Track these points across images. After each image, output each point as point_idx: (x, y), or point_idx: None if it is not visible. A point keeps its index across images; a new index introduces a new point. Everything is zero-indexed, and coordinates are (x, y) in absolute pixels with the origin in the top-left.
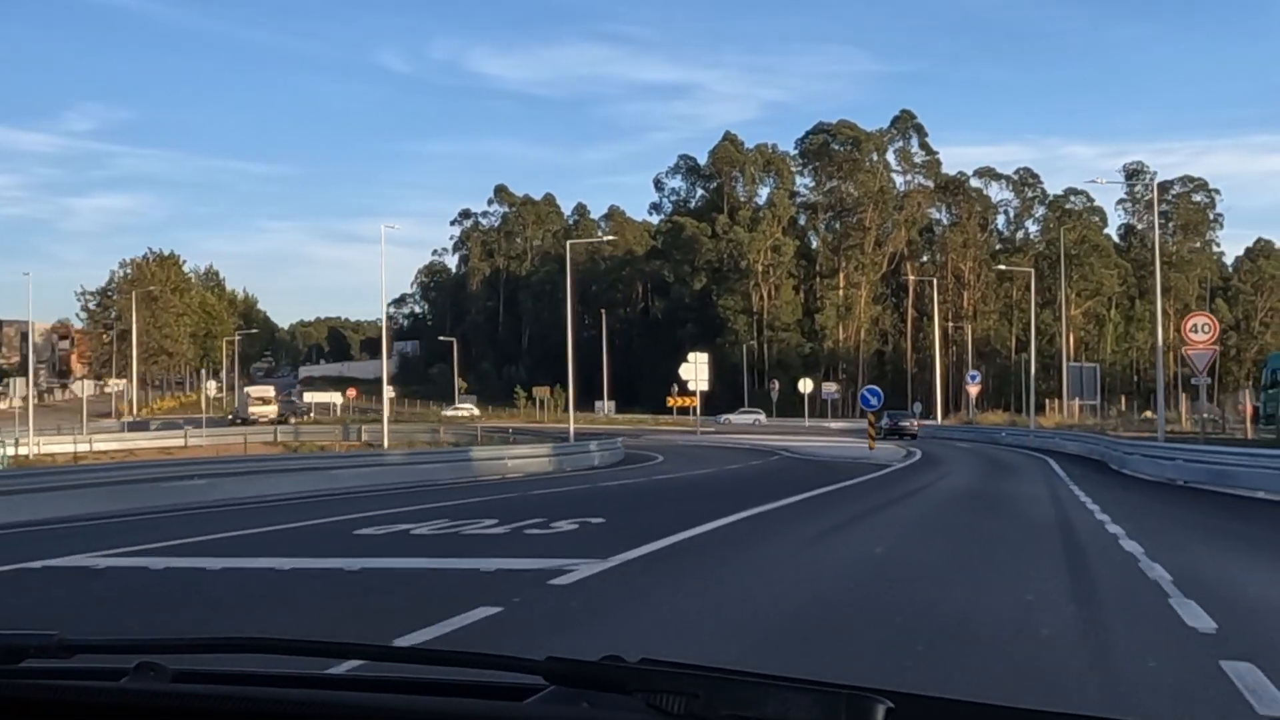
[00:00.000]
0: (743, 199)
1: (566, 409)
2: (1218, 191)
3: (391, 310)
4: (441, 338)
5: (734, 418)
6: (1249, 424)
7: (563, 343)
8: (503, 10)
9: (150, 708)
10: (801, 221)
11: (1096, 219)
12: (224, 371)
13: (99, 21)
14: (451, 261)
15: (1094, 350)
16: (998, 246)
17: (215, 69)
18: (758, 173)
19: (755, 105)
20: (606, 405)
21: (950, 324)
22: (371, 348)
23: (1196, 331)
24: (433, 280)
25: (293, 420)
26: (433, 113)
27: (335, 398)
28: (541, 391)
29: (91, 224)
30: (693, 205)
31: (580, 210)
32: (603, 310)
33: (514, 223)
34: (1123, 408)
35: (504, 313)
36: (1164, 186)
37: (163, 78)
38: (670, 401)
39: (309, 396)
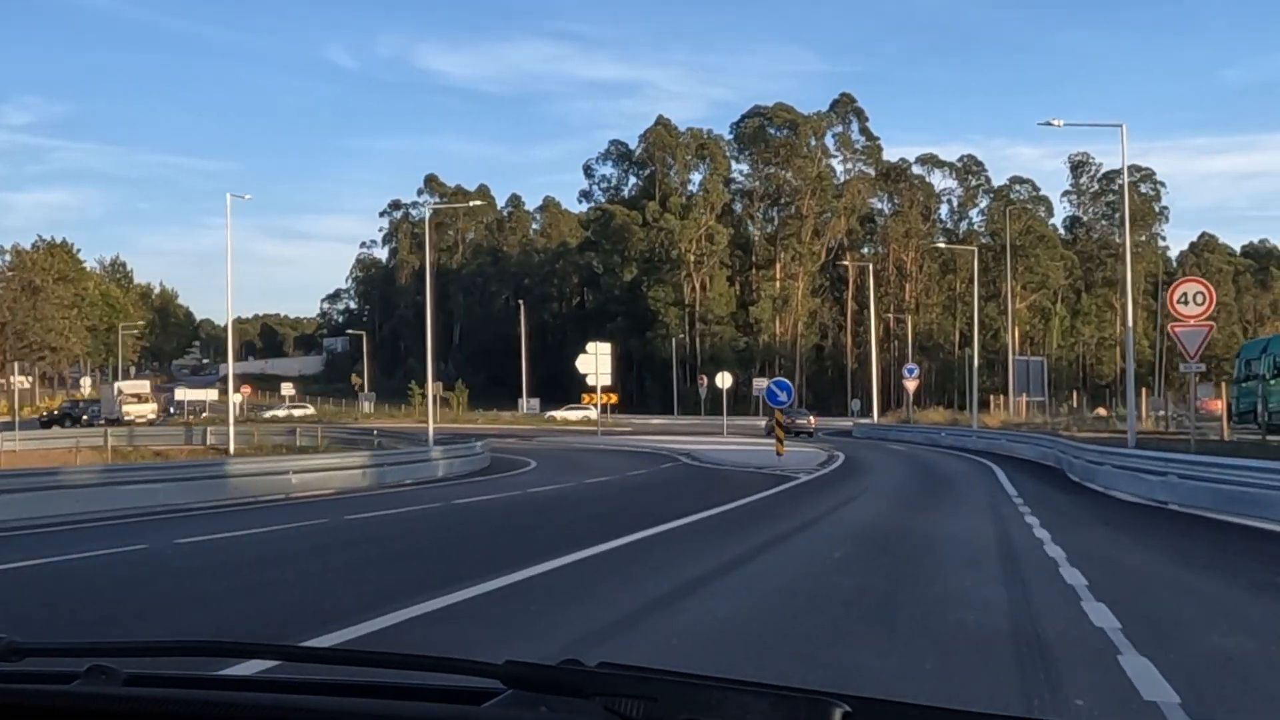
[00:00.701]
0: (676, 186)
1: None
2: (1163, 184)
3: (325, 306)
4: (350, 332)
5: (564, 414)
6: (1225, 423)
7: (496, 338)
8: (451, 6)
9: (103, 712)
10: (738, 210)
11: (1042, 210)
12: (130, 368)
13: (36, 13)
14: (382, 255)
15: (1039, 345)
16: (941, 241)
17: (158, 63)
18: (691, 159)
19: (704, 104)
20: (525, 403)
21: (892, 317)
22: (305, 344)
23: (1186, 303)
24: (364, 275)
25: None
26: (380, 109)
27: (211, 395)
28: (437, 389)
29: (29, 219)
30: (626, 194)
31: (515, 201)
32: (521, 303)
33: (445, 214)
34: (1075, 404)
35: (434, 307)
36: (1110, 175)
37: (103, 71)
38: (585, 399)
39: (180, 394)
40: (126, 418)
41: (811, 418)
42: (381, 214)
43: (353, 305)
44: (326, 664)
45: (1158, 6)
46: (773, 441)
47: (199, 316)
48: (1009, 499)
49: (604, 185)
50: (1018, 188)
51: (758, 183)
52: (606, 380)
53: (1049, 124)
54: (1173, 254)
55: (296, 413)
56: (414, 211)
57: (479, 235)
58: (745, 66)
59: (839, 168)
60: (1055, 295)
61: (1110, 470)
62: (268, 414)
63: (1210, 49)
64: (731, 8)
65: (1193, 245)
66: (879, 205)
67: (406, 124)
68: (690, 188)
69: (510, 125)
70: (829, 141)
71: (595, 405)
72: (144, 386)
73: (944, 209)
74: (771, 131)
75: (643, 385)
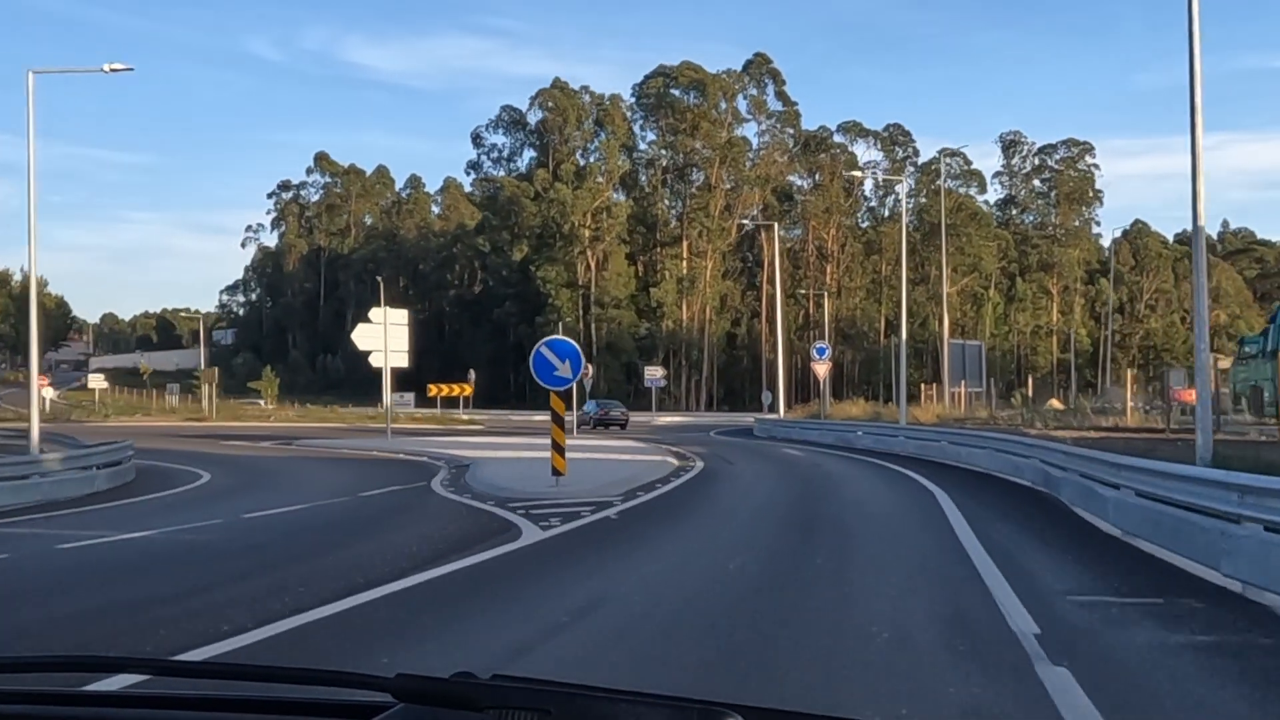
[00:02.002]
0: (571, 154)
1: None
2: (1098, 167)
3: (225, 298)
4: (222, 326)
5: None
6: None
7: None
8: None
9: None
10: (642, 183)
11: (975, 187)
12: None
13: None
14: (271, 240)
15: (971, 334)
16: (865, 223)
17: (74, 53)
18: (591, 126)
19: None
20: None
21: (810, 302)
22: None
23: None
24: (254, 263)
25: None
26: (304, 103)
27: (50, 392)
28: (260, 384)
29: None
30: (521, 166)
31: (414, 183)
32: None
33: (337, 197)
34: (1029, 392)
35: (325, 295)
36: (1046, 150)
37: (14, 61)
38: (431, 390)
39: None
40: None
41: (624, 411)
42: (269, 195)
43: (253, 296)
44: (208, 678)
45: (1073, 10)
46: (601, 442)
47: (114, 313)
48: (1004, 619)
49: (494, 156)
50: (948, 161)
51: (663, 151)
52: (402, 360)
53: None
54: (1105, 241)
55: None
56: (304, 193)
57: (377, 219)
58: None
59: (754, 139)
60: (989, 280)
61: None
62: None
63: (1124, 53)
64: (662, 6)
65: (1125, 233)
66: (799, 183)
67: (332, 118)
68: (592, 157)
69: (437, 120)
70: (741, 105)
71: (405, 397)
72: None
73: (868, 184)
74: (676, 94)
75: (518, 374)
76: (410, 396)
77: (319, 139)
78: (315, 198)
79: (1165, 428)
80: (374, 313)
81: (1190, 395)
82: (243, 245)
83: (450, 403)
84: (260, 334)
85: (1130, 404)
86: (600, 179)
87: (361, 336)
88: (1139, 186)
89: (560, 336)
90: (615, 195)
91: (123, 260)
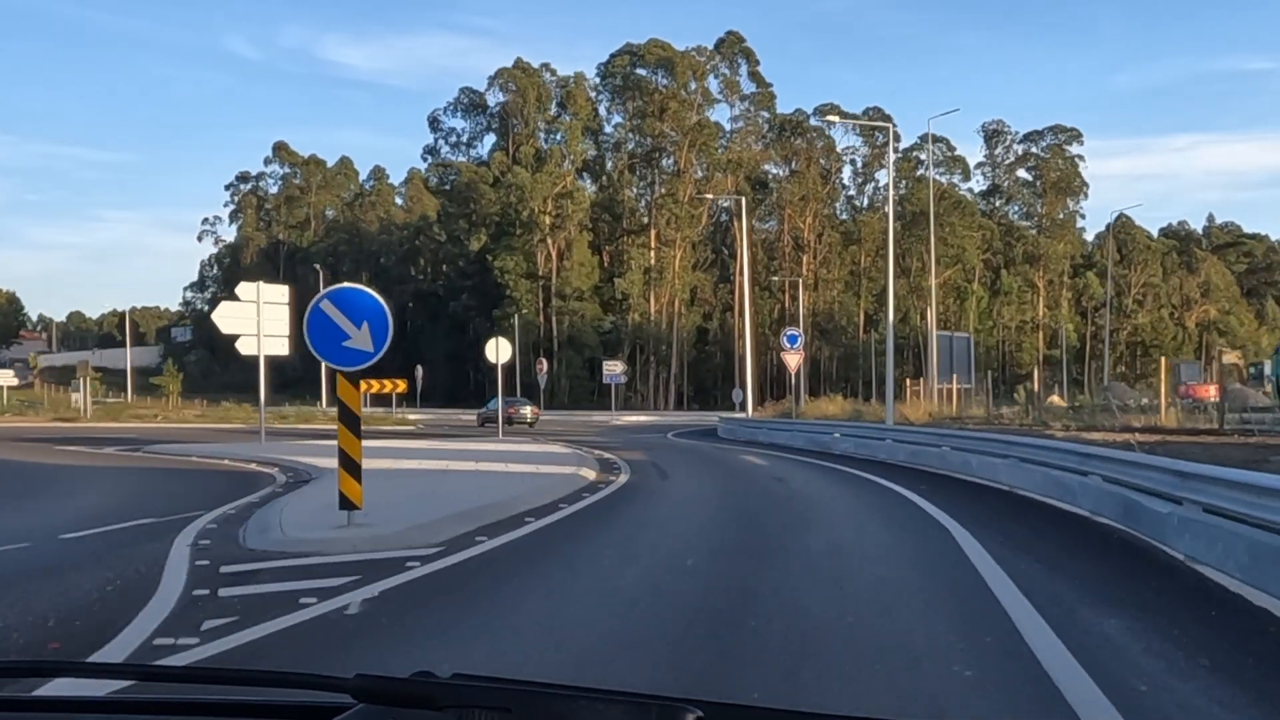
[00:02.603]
0: (532, 136)
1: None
2: (1082, 158)
3: (189, 295)
4: (185, 323)
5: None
6: None
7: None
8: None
9: None
10: (609, 167)
11: (959, 174)
12: None
13: None
14: (229, 233)
15: (954, 328)
16: (843, 214)
17: (51, 51)
18: (553, 107)
19: None
20: (264, 395)
21: (786, 294)
22: (166, 336)
23: None
24: (211, 259)
25: None
26: (282, 101)
27: None
28: (163, 380)
29: None
30: (482, 153)
31: (377, 174)
32: (335, 282)
33: (295, 187)
34: (1036, 387)
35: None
36: (1032, 136)
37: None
38: (364, 386)
39: None
40: None
41: (532, 408)
42: (227, 187)
43: (209, 293)
44: (163, 681)
45: (1052, 11)
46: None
47: (81, 311)
48: None
49: (453, 141)
50: (932, 146)
51: (629, 134)
52: (281, 347)
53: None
54: (1088, 236)
55: None
56: (263, 185)
57: (340, 212)
58: None
59: (726, 124)
60: (972, 272)
61: None
62: None
63: (1102, 54)
64: (644, 6)
65: (1109, 226)
66: (774, 171)
67: (311, 117)
68: (556, 139)
69: (416, 120)
70: (713, 86)
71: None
72: None
73: (846, 170)
74: (644, 73)
75: (487, 373)
76: (364, 396)
77: (297, 137)
78: (275, 189)
79: (1219, 427)
80: (243, 288)
81: (1206, 391)
82: (199, 239)
83: (406, 400)
84: (215, 331)
85: (1165, 400)
86: (563, 163)
87: (224, 317)
88: (1116, 186)
89: (356, 286)
90: (580, 181)
91: (101, 259)
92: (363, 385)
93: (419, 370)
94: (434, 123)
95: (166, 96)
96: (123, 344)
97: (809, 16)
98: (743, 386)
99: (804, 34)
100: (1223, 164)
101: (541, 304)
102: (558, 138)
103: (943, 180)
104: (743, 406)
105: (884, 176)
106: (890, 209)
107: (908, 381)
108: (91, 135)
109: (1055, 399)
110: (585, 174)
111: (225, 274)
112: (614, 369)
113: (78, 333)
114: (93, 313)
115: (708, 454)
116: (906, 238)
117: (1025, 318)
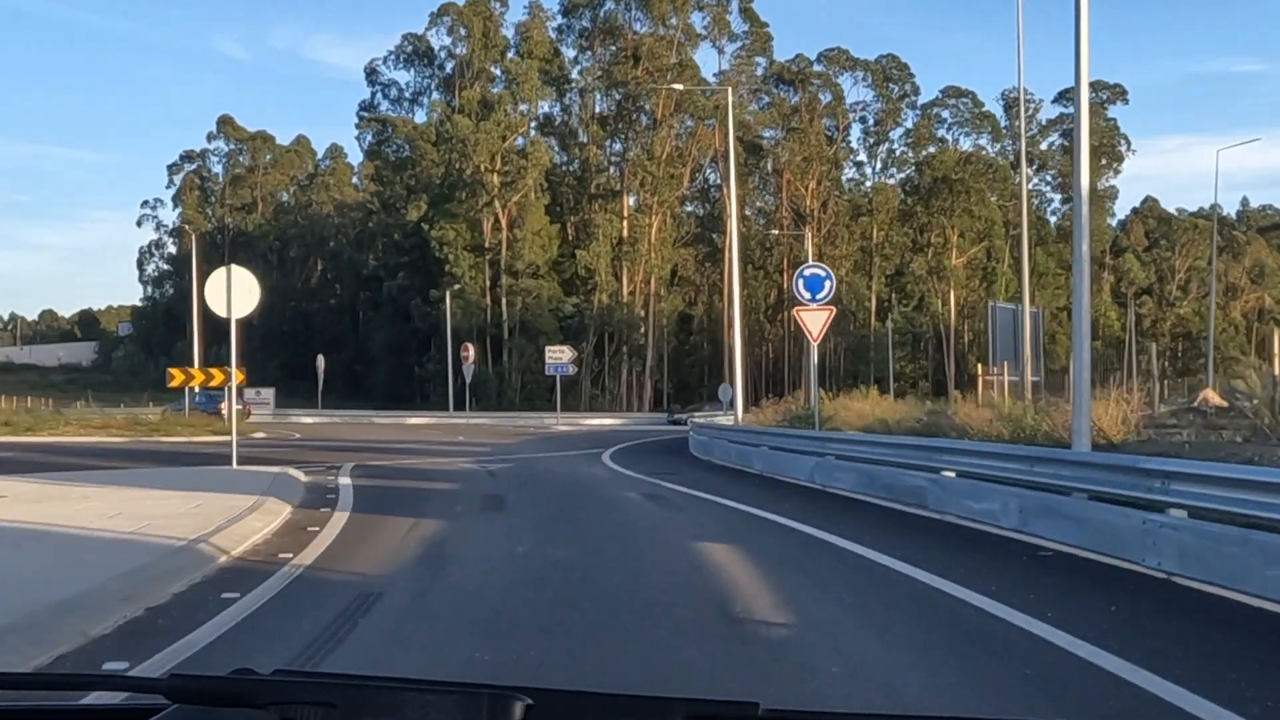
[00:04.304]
0: (486, 84)
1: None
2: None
3: (150, 290)
4: (103, 316)
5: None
6: None
7: (296, 315)
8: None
9: None
10: (573, 120)
11: (987, 134)
12: None
13: None
14: (170, 217)
15: (978, 315)
16: (849, 173)
17: (38, 51)
18: (504, 48)
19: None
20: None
21: (786, 274)
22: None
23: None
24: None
25: None
26: (272, 102)
27: None
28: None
29: None
30: (426, 110)
31: (334, 152)
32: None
33: (241, 165)
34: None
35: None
36: (1069, 94)
37: None
38: (174, 379)
39: None
40: None
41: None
42: (170, 168)
43: (149, 284)
44: None
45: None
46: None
47: (53, 309)
48: None
49: (394, 96)
50: (954, 102)
51: (596, 78)
52: None
53: None
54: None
55: None
56: (206, 163)
57: (294, 194)
58: None
59: (713, 77)
60: (1001, 250)
61: None
62: None
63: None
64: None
65: (1135, 210)
66: (770, 135)
67: (300, 117)
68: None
69: None
70: (696, 21)
71: (263, 394)
72: None
73: (856, 130)
74: (612, 6)
75: (424, 366)
76: (270, 393)
77: (287, 137)
78: (219, 169)
79: None
80: None
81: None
82: (138, 224)
83: (299, 398)
84: (152, 324)
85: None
86: (516, 109)
87: None
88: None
89: None
90: (538, 137)
91: (86, 259)
92: (176, 375)
93: (319, 361)
94: (371, 74)
95: (156, 97)
96: (84, 340)
97: (809, 19)
98: (732, 381)
99: (800, 34)
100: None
101: (488, 282)
102: (515, 83)
103: (968, 140)
104: (731, 406)
105: (899, 137)
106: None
107: (980, 369)
108: (80, 135)
109: (1211, 394)
110: (547, 136)
111: (166, 261)
112: (559, 356)
113: (49, 332)
114: (67, 312)
115: (624, 510)
116: (926, 208)
117: (1060, 304)
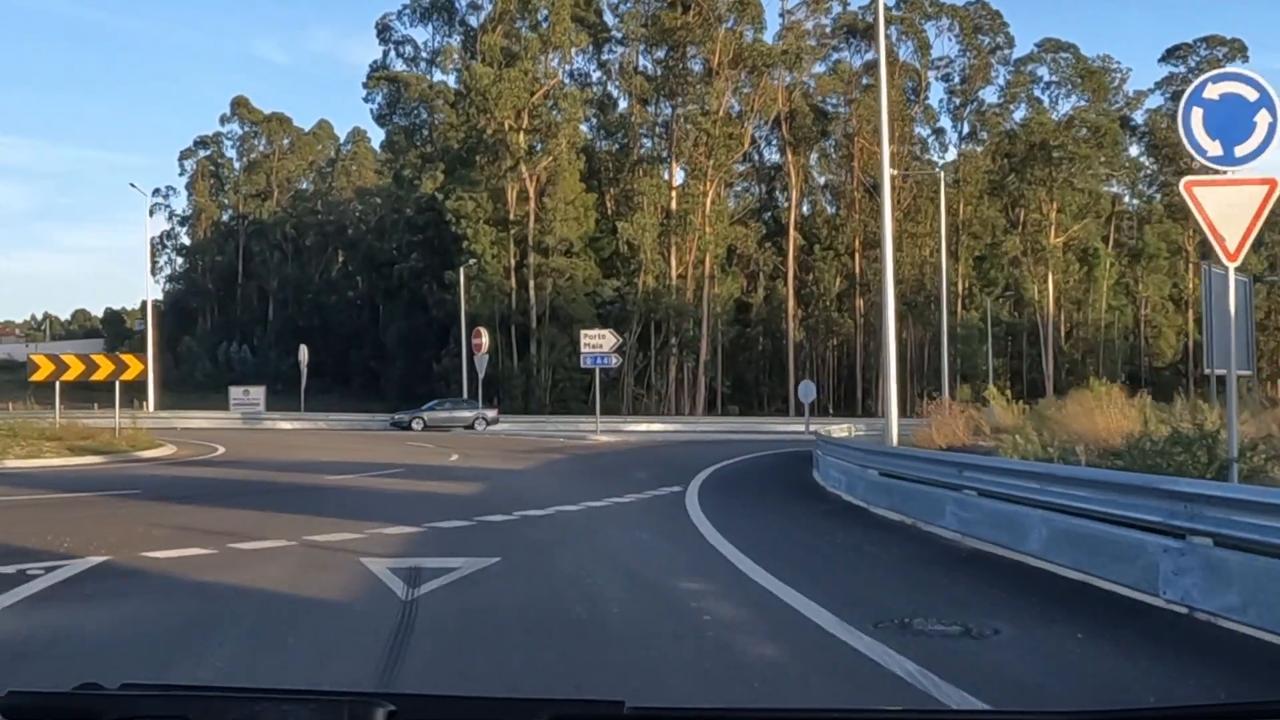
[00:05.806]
0: (513, 33)
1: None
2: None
3: (170, 286)
4: (107, 305)
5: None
6: None
7: (313, 309)
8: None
9: None
10: (613, 86)
11: (1090, 93)
12: None
13: None
14: (183, 205)
15: (1080, 310)
16: (928, 134)
17: (84, 56)
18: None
19: None
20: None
21: (858, 256)
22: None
23: None
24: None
25: None
26: (310, 105)
27: None
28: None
29: None
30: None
31: (356, 136)
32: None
33: (257, 150)
34: None
35: (243, 272)
36: (1179, 51)
37: (26, 64)
38: (38, 369)
39: None
40: None
41: None
42: (183, 156)
43: (162, 277)
44: None
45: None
46: None
47: (85, 309)
48: None
49: (409, 56)
50: (1053, 57)
51: (642, 26)
52: None
53: None
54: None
55: None
56: (221, 148)
57: (314, 181)
58: None
59: (774, 17)
60: (1105, 229)
61: None
62: None
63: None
64: None
65: None
66: (835, 103)
67: (337, 119)
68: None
69: None
70: None
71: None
72: None
73: (938, 90)
74: None
75: (441, 360)
76: (260, 393)
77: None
78: (233, 153)
79: None
80: None
81: None
82: (151, 214)
83: (282, 396)
84: (161, 318)
85: None
86: (547, 60)
87: None
88: None
89: None
90: (572, 88)
91: (125, 259)
92: (42, 364)
93: (302, 353)
94: (383, 30)
95: (197, 101)
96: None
97: None
98: (884, 379)
99: None
100: None
101: (513, 261)
102: (542, 26)
103: (1068, 102)
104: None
105: (990, 97)
106: None
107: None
108: (123, 139)
109: None
110: (584, 105)
111: (179, 252)
112: (598, 343)
113: (79, 330)
114: (99, 311)
115: None
116: (1018, 181)
117: (1167, 293)
